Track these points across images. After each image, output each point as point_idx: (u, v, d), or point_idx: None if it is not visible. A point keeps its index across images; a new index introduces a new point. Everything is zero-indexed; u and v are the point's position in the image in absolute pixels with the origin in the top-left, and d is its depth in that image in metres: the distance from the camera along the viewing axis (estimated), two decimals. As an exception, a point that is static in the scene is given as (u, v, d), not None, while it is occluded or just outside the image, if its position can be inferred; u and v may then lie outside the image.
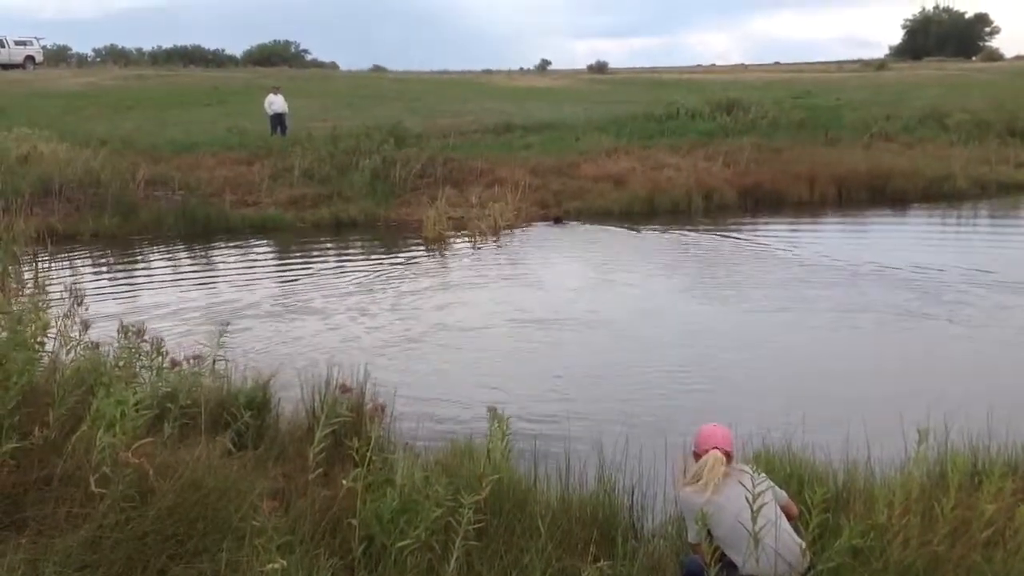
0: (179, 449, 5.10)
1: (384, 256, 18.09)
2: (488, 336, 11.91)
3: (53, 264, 16.05)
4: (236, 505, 4.57)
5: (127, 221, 20.34)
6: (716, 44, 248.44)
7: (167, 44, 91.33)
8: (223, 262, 17.94)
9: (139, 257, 18.45)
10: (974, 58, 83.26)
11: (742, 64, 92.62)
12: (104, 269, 17.15)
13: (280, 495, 4.90)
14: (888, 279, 14.63)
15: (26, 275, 13.40)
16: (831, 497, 4.93)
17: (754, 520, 4.28)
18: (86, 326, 6.59)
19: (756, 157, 25.74)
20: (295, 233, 20.65)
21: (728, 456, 4.80)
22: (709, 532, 4.54)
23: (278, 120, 30.11)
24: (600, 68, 71.88)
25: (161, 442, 5.09)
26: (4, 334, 5.72)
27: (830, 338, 11.74)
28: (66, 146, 24.08)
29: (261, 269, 16.99)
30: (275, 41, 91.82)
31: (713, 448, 4.77)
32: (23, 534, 4.25)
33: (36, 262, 14.59)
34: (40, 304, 6.68)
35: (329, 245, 19.68)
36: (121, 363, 6.14)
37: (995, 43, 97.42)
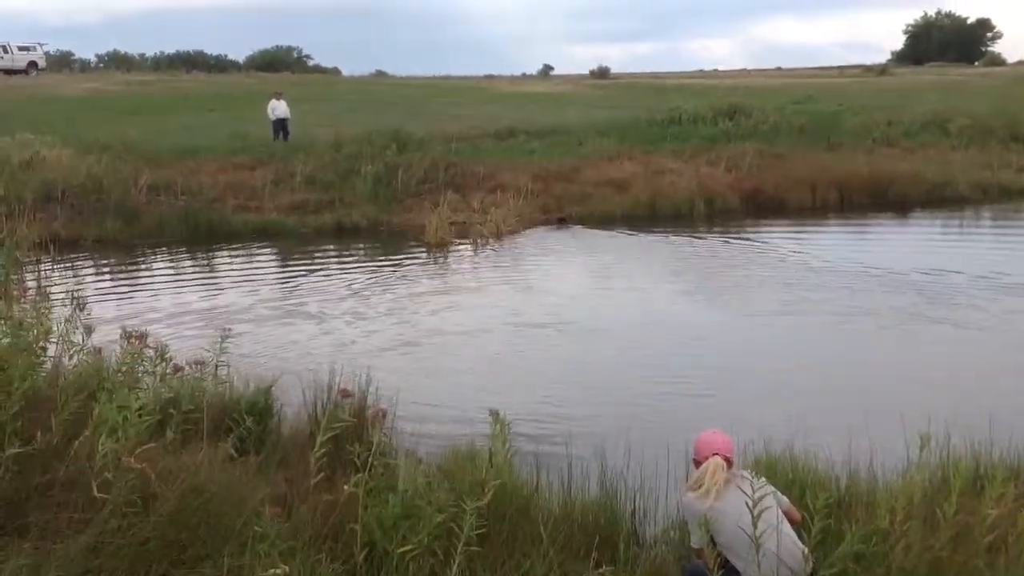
0: (181, 455, 5.10)
1: (386, 261, 18.09)
2: (490, 341, 11.92)
3: (55, 269, 16.06)
4: (238, 511, 4.57)
5: (129, 226, 20.35)
6: (718, 49, 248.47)
7: (170, 50, 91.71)
8: (225, 267, 17.95)
9: (141, 262, 18.47)
10: (976, 63, 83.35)
11: (744, 69, 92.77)
12: (106, 274, 17.18)
13: (282, 501, 4.91)
14: (891, 283, 14.62)
15: (28, 281, 13.40)
16: (833, 502, 4.92)
17: (755, 525, 4.28)
18: (88, 331, 6.60)
19: (758, 162, 25.70)
20: (297, 239, 20.66)
21: (729, 462, 4.81)
22: (711, 538, 4.54)
23: (280, 125, 30.13)
24: (602, 73, 71.94)
25: (163, 447, 5.09)
26: (7, 339, 5.73)
27: (832, 342, 11.74)
28: (69, 152, 24.09)
29: (263, 274, 17.00)
30: (278, 47, 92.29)
31: (714, 454, 4.78)
32: (25, 539, 4.25)
33: (38, 268, 14.59)
34: (42, 309, 6.69)
35: (331, 251, 19.69)
36: (123, 368, 6.15)
37: (997, 48, 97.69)
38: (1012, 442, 6.42)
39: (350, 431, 5.84)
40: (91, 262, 18.11)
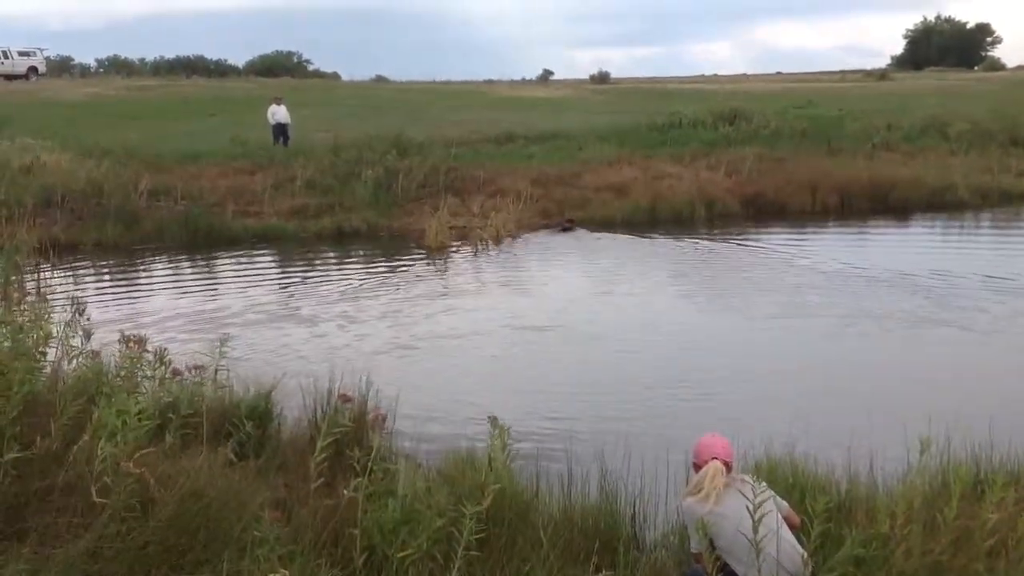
0: (181, 459, 5.10)
1: (385, 266, 18.09)
2: (489, 345, 11.92)
3: (55, 274, 16.06)
4: (238, 515, 4.57)
5: (129, 231, 20.34)
6: (718, 54, 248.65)
7: (170, 55, 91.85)
8: (225, 272, 17.95)
9: (141, 267, 18.47)
10: (976, 68, 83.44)
11: (744, 74, 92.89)
12: (106, 279, 17.18)
13: (282, 505, 4.91)
14: (892, 286, 14.62)
15: (28, 285, 13.42)
16: (833, 507, 4.92)
17: (755, 530, 4.27)
18: (88, 336, 6.60)
19: (758, 167, 25.71)
20: (297, 243, 20.66)
21: (728, 466, 4.81)
22: (711, 542, 4.54)
23: (280, 130, 30.14)
24: (602, 78, 71.99)
25: (163, 452, 5.09)
26: (6, 343, 5.73)
27: (833, 345, 11.74)
28: (69, 156, 24.13)
29: (262, 279, 16.99)
30: (277, 52, 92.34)
31: (713, 458, 4.78)
32: (24, 544, 4.24)
33: (38, 272, 14.60)
34: (42, 314, 6.69)
35: (331, 255, 19.70)
36: (123, 373, 6.15)
37: (997, 53, 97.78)
38: (1012, 446, 6.41)
39: (350, 435, 5.84)
40: (91, 267, 18.11)
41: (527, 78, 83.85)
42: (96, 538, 4.22)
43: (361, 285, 15.85)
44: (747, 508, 4.29)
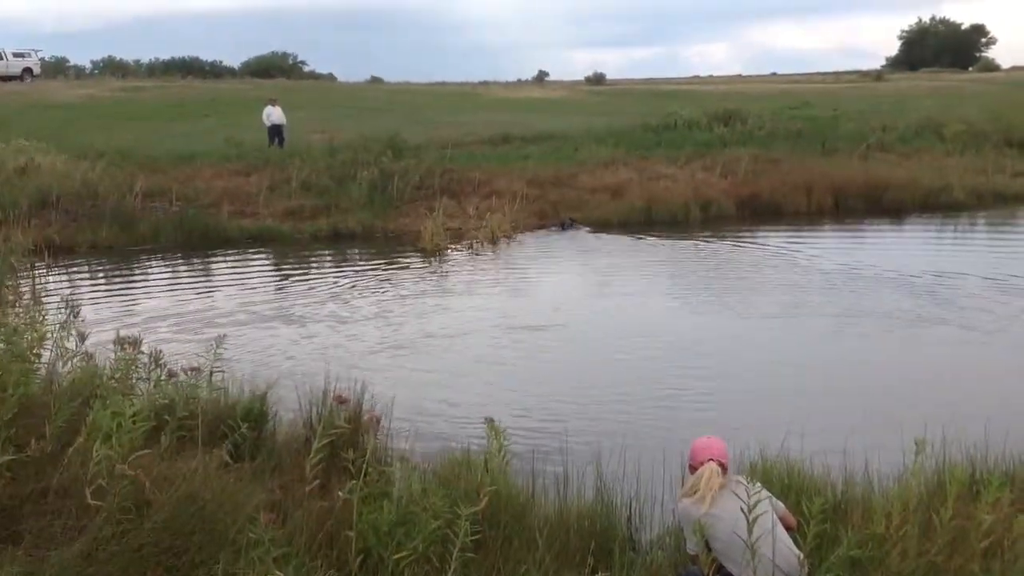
0: (176, 461, 5.09)
1: (381, 267, 18.08)
2: (485, 346, 11.90)
3: (50, 276, 16.02)
4: (233, 517, 4.56)
5: (125, 233, 20.29)
6: (713, 55, 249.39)
7: (165, 56, 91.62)
8: (220, 273, 17.93)
9: (136, 269, 18.43)
10: (970, 69, 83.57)
11: (739, 75, 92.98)
12: (101, 281, 17.14)
13: (277, 507, 4.90)
14: (888, 285, 14.65)
15: (23, 287, 13.39)
16: (829, 508, 4.92)
17: (750, 531, 4.27)
18: (83, 338, 6.59)
19: (754, 168, 25.74)
20: (293, 244, 20.63)
21: (724, 468, 4.81)
22: (707, 544, 4.54)
23: (276, 132, 30.15)
24: (598, 79, 72.14)
25: (158, 454, 5.08)
26: (1, 346, 5.71)
27: (829, 346, 11.76)
28: (64, 158, 24.11)
29: (258, 280, 16.97)
30: (273, 53, 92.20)
31: (709, 460, 4.78)
32: (19, 547, 4.24)
33: (33, 274, 14.56)
34: (37, 316, 6.69)
35: (326, 256, 19.68)
36: (118, 375, 6.14)
37: (991, 54, 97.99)
38: (1007, 446, 6.42)
39: (345, 437, 5.84)
40: (86, 268, 18.07)
41: (523, 79, 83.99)
42: (91, 540, 4.21)
43: (355, 286, 15.83)
44: (742, 509, 4.29)
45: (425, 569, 4.47)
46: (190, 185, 23.32)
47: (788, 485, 5.76)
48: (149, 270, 18.32)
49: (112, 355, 6.37)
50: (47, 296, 13.17)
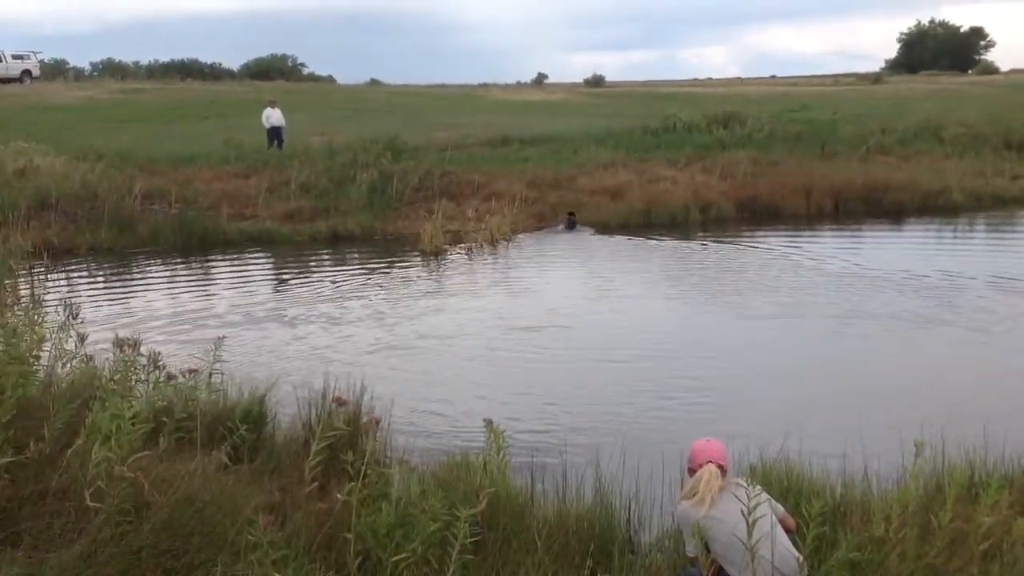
0: (175, 463, 5.08)
1: (380, 269, 18.08)
2: (484, 348, 11.91)
3: (49, 278, 16.02)
4: (232, 519, 4.56)
5: (124, 235, 20.30)
6: (713, 58, 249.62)
7: (164, 58, 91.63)
8: (219, 275, 17.92)
9: (135, 271, 18.42)
10: (969, 72, 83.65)
11: (739, 78, 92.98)
12: (100, 283, 17.14)
13: (276, 509, 4.89)
14: (887, 287, 14.64)
15: (22, 289, 13.38)
16: (828, 510, 4.92)
17: (750, 533, 4.27)
18: (82, 339, 6.59)
19: (753, 170, 25.80)
20: (292, 246, 20.64)
21: (723, 470, 4.81)
22: (707, 546, 4.54)
23: (275, 134, 30.15)
24: (597, 82, 72.18)
25: (156, 456, 5.07)
26: (0, 348, 5.71)
27: (827, 347, 11.76)
28: (63, 160, 24.10)
29: (257, 282, 16.97)
30: (272, 55, 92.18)
31: (708, 462, 4.78)
32: (18, 548, 4.23)
33: (32, 276, 14.57)
34: (36, 318, 6.67)
35: (325, 258, 19.68)
36: (117, 376, 6.13)
37: (990, 57, 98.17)
38: (1006, 448, 6.42)
39: (344, 439, 5.83)
40: (85, 270, 18.07)
41: (522, 82, 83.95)
42: (90, 542, 4.21)
43: (354, 288, 15.83)
44: (742, 512, 4.28)
45: (424, 571, 4.46)
46: (189, 187, 23.32)
47: (787, 487, 5.76)
48: (148, 272, 18.31)
49: (111, 357, 6.36)
50: (46, 298, 13.15)
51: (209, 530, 4.47)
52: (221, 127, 34.06)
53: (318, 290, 15.76)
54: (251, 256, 19.69)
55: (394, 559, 4.42)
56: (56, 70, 75.89)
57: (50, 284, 15.51)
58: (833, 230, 22.08)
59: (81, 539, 4.24)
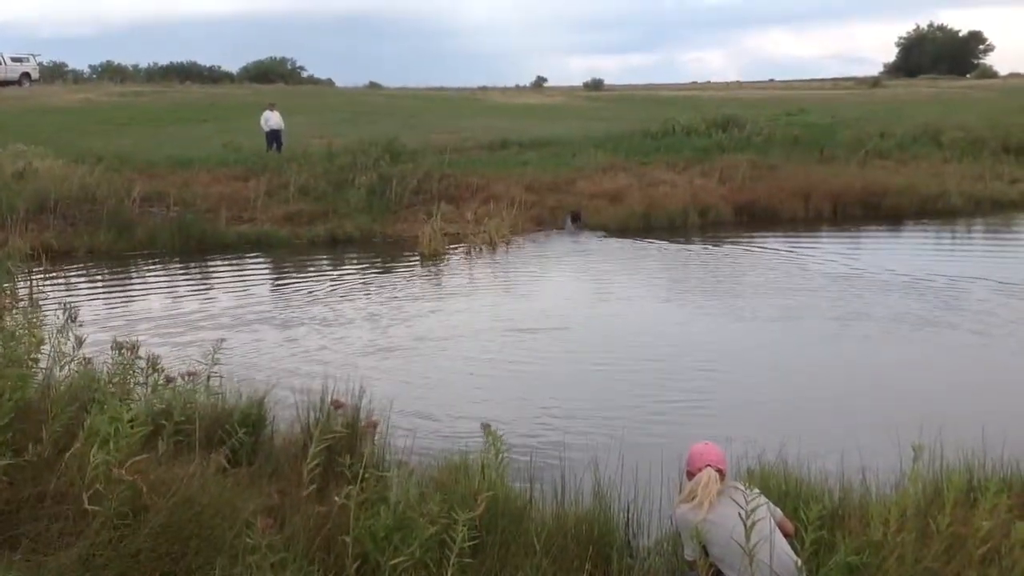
0: (173, 466, 5.08)
1: (379, 272, 18.09)
2: (483, 350, 11.91)
3: (48, 281, 16.01)
4: (230, 522, 4.56)
5: (122, 237, 20.31)
6: (711, 61, 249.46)
7: (163, 61, 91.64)
8: (218, 278, 17.92)
9: (134, 273, 18.42)
10: (968, 76, 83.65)
11: (737, 81, 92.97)
12: (99, 286, 17.13)
13: (274, 512, 4.88)
14: (886, 290, 14.68)
15: (20, 291, 13.37)
16: (826, 514, 4.91)
17: (748, 537, 4.27)
18: (80, 342, 6.58)
19: (751, 174, 25.85)
20: (291, 249, 20.66)
21: (722, 474, 4.81)
22: (705, 550, 4.54)
23: (274, 137, 30.14)
24: (596, 85, 72.14)
25: (155, 459, 5.07)
26: (-2, 350, 5.71)
27: (826, 350, 11.77)
28: (62, 162, 24.09)
29: (255, 285, 16.97)
30: (271, 58, 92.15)
31: (706, 466, 4.78)
32: (16, 551, 4.23)
33: (31, 279, 14.55)
34: (34, 321, 6.67)
35: (324, 261, 19.68)
36: (115, 379, 6.14)
37: (989, 61, 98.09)
38: (1005, 452, 6.42)
39: (343, 442, 5.84)
40: (84, 273, 18.07)
41: (521, 85, 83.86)
42: (88, 545, 4.20)
43: (353, 291, 15.85)
44: (740, 515, 4.28)
45: (422, 575, 4.46)
46: (188, 190, 23.33)
47: (786, 491, 5.76)
48: (146, 275, 18.31)
49: (109, 360, 6.37)
50: (44, 301, 13.16)
51: (207, 533, 4.47)
52: (220, 130, 34.04)
53: (316, 293, 15.75)
54: (249, 259, 19.69)
55: (392, 562, 4.41)
56: (55, 73, 75.94)
57: (48, 287, 15.49)
58: (831, 234, 22.07)
59: (79, 542, 4.23)
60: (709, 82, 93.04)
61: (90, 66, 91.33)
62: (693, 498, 4.68)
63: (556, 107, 49.33)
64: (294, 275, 18.06)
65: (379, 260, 19.46)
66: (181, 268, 18.92)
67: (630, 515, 5.98)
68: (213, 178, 24.94)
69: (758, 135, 32.38)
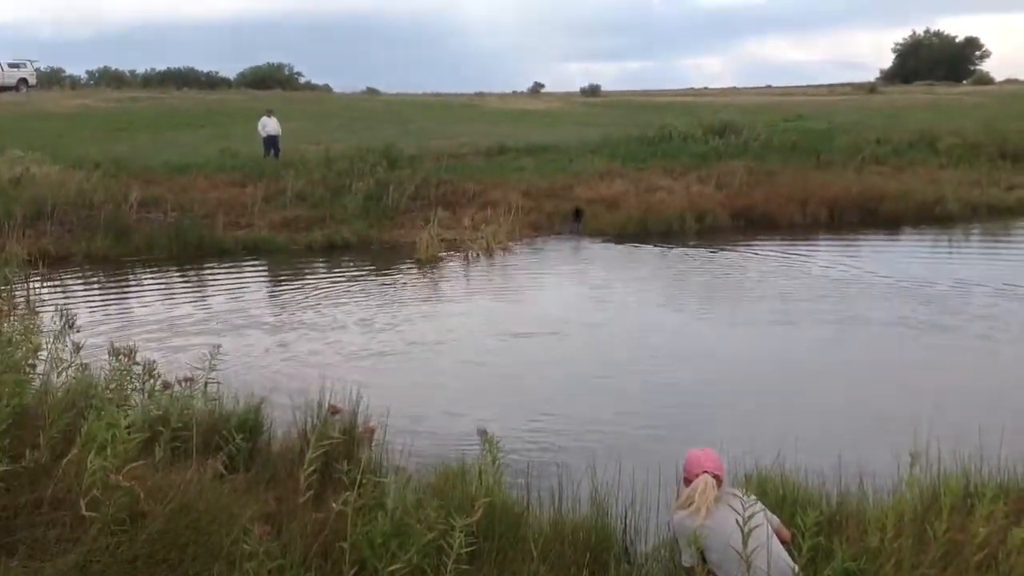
0: (170, 472, 5.08)
1: (376, 278, 18.08)
2: (480, 357, 11.91)
3: (45, 286, 15.99)
4: (227, 529, 4.55)
5: (120, 243, 20.31)
6: (708, 67, 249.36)
7: (161, 66, 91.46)
8: (215, 284, 17.91)
9: (131, 279, 18.41)
10: (964, 82, 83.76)
11: (734, 87, 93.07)
12: (96, 291, 17.12)
13: (271, 519, 4.88)
14: (883, 296, 14.71)
15: (18, 297, 13.37)
16: (823, 520, 4.92)
17: (745, 543, 4.27)
18: (77, 348, 6.57)
19: (748, 179, 25.90)
20: (288, 255, 20.65)
21: (719, 480, 4.81)
22: (702, 556, 4.54)
23: (271, 142, 30.15)
24: (593, 91, 72.07)
25: (152, 465, 5.07)
26: (-5, 356, 5.70)
27: (824, 356, 11.78)
28: (59, 168, 24.12)
29: (252, 291, 16.97)
30: (268, 64, 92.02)
31: (703, 472, 4.78)
32: (13, 558, 4.22)
33: (28, 284, 14.55)
34: (31, 326, 6.67)
35: (321, 267, 19.67)
36: (112, 385, 6.12)
37: (985, 67, 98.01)
38: (1002, 458, 6.42)
39: (340, 448, 5.83)
40: (81, 279, 18.05)
41: (518, 91, 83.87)
42: (85, 551, 4.19)
43: (350, 297, 15.85)
44: (737, 522, 4.28)
45: (420, 581, 4.45)
46: (185, 196, 23.34)
47: (783, 497, 5.76)
48: (144, 280, 18.29)
49: (107, 366, 6.36)
50: (42, 307, 13.17)
51: (205, 539, 4.46)
52: (217, 136, 34.08)
53: (313, 299, 15.75)
54: (247, 265, 19.68)
55: (389, 569, 4.40)
56: (53, 78, 75.76)
57: (46, 293, 15.48)
58: (828, 239, 22.10)
59: (77, 548, 4.22)
60: (706, 88, 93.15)
61: (88, 72, 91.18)
62: (690, 504, 4.68)
63: (553, 113, 49.34)
64: (291, 281, 18.05)
65: (376, 266, 19.45)
66: (178, 274, 18.90)
67: (628, 521, 5.98)
68: (210, 184, 24.96)
69: (755, 141, 32.45)
